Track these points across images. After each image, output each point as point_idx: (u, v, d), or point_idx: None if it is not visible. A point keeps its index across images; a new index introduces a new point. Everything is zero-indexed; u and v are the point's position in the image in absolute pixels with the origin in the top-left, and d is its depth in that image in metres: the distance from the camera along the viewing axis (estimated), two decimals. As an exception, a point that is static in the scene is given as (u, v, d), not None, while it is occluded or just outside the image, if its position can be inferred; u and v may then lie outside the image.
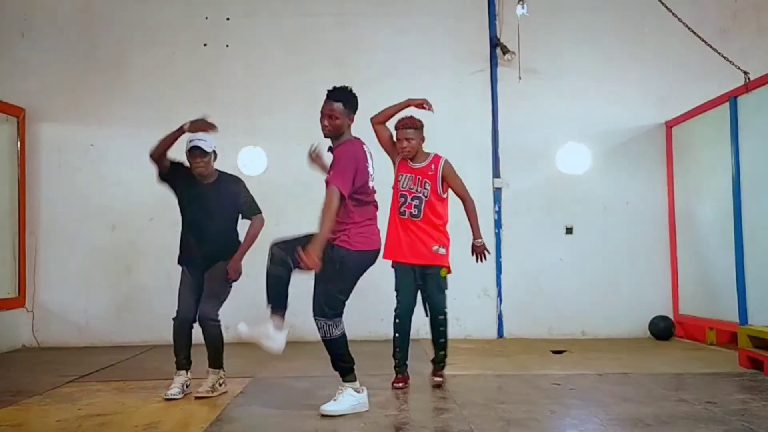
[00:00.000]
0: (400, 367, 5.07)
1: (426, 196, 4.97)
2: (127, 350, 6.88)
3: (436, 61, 7.67)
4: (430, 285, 4.99)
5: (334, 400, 4.23)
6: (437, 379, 5.04)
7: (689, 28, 6.50)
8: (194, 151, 4.63)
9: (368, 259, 4.30)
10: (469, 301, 7.40)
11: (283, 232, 4.36)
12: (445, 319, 5.04)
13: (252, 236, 4.78)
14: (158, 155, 4.64)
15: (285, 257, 4.14)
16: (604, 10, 7.77)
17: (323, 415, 4.15)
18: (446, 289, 5.04)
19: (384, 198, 4.91)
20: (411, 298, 5.03)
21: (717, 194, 6.64)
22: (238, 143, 7.38)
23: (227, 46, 7.67)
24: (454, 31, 7.72)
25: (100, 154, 7.53)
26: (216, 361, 4.83)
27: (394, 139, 5.08)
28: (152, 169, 7.00)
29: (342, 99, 4.26)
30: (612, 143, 7.66)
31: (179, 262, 4.90)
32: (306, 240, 4.12)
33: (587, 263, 7.55)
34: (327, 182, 4.16)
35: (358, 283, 4.31)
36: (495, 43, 7.66)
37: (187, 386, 4.78)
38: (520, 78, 7.53)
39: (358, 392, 4.29)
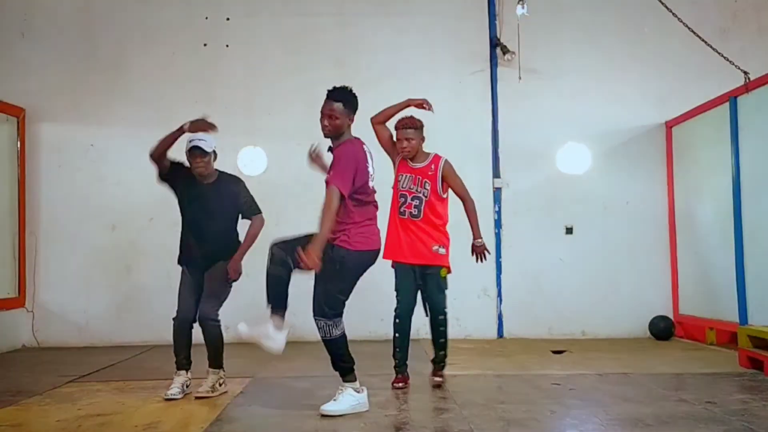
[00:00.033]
0: (400, 367, 5.07)
1: (426, 196, 4.97)
2: (127, 350, 6.88)
3: (436, 61, 7.67)
4: (430, 285, 4.99)
5: (334, 400, 4.23)
6: (437, 379, 5.05)
7: (689, 28, 6.50)
8: (194, 151, 4.63)
9: (368, 259, 4.30)
10: (469, 301, 7.41)
11: (283, 232, 4.36)
12: (445, 319, 5.04)
13: (252, 236, 4.78)
14: (158, 155, 4.63)
15: (285, 257, 4.14)
16: (604, 10, 7.77)
17: (323, 415, 4.15)
18: (446, 289, 5.04)
19: (384, 198, 4.92)
20: (411, 298, 5.03)
21: (717, 194, 6.64)
22: (238, 143, 7.38)
23: (227, 46, 7.67)
24: (454, 31, 7.72)
25: (100, 154, 7.53)
26: (216, 361, 4.83)
27: (394, 139, 5.08)
28: (152, 169, 7.00)
29: (342, 99, 4.26)
30: (612, 143, 7.66)
31: (179, 262, 4.90)
32: (306, 240, 4.12)
33: (587, 263, 7.55)
34: (327, 182, 4.16)
35: (358, 283, 4.31)
36: (495, 43, 7.66)
37: (187, 386, 4.78)
38: (520, 78, 7.53)
39: (358, 392, 4.29)
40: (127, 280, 7.43)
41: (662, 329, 7.32)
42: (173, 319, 4.78)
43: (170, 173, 4.74)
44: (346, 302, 4.27)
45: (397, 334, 5.07)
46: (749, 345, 5.58)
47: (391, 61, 7.61)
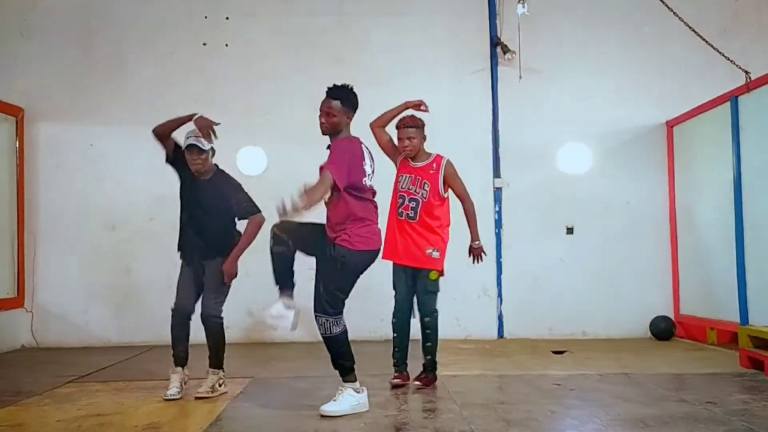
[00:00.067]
0: (399, 366, 5.06)
1: (424, 198, 4.96)
2: (126, 350, 6.87)
3: (436, 60, 7.65)
4: (419, 286, 4.99)
5: (334, 400, 4.22)
6: (416, 383, 4.98)
7: (690, 28, 6.50)
8: (191, 149, 4.63)
9: (368, 258, 4.30)
10: (469, 301, 7.40)
11: (282, 232, 4.36)
12: (432, 322, 4.99)
13: (247, 237, 4.73)
14: (160, 132, 4.65)
15: (287, 241, 4.22)
16: (604, 9, 7.76)
17: (323, 416, 4.14)
18: (437, 291, 5.01)
19: (386, 198, 4.93)
20: (406, 297, 5.03)
21: (718, 194, 6.63)
22: (238, 143, 7.36)
23: (227, 45, 7.66)
24: (455, 31, 7.71)
25: (99, 154, 7.52)
26: (216, 360, 4.82)
27: (395, 141, 5.10)
28: (152, 169, 7.08)
29: (340, 97, 4.27)
30: (613, 143, 7.65)
31: (178, 248, 4.90)
32: (308, 226, 4.25)
33: (588, 263, 7.53)
34: (320, 168, 4.17)
35: (359, 283, 4.32)
36: (495, 42, 7.64)
37: (185, 383, 4.77)
38: (520, 77, 7.52)
39: (358, 392, 4.28)
40: (126, 280, 7.41)
41: (663, 329, 7.30)
42: (171, 310, 4.78)
43: (176, 157, 4.72)
44: (346, 301, 4.28)
45: (395, 334, 5.07)
46: (750, 345, 5.57)
47: (391, 61, 7.60)
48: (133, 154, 7.38)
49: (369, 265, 4.32)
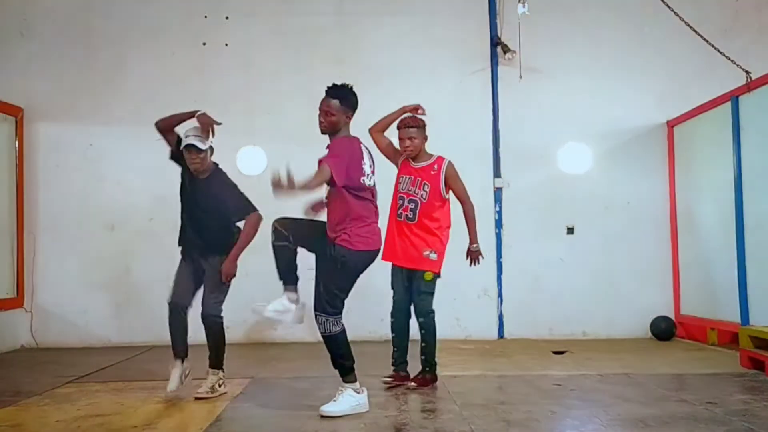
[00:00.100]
0: (398, 366, 5.07)
1: (423, 198, 4.95)
2: (126, 351, 6.86)
3: (436, 60, 7.65)
4: (414, 286, 4.99)
5: (334, 400, 4.22)
6: (410, 384, 4.96)
7: (691, 27, 6.48)
8: (189, 148, 4.63)
9: (368, 258, 4.31)
10: (469, 301, 7.39)
11: (282, 232, 4.36)
12: (426, 323, 4.98)
13: (245, 236, 4.71)
14: (162, 126, 4.68)
15: (288, 236, 4.25)
16: (605, 9, 7.75)
17: (323, 416, 4.14)
18: (432, 292, 5.00)
19: (386, 199, 4.93)
20: (404, 297, 5.04)
21: (718, 194, 6.62)
22: (238, 143, 7.35)
23: (226, 45, 7.65)
24: (455, 30, 7.70)
25: (99, 154, 7.51)
26: (216, 360, 4.82)
27: (394, 144, 5.12)
28: (152, 169, 7.09)
29: (339, 96, 4.28)
30: (613, 143, 7.64)
31: (179, 242, 4.90)
32: (309, 223, 4.32)
33: (588, 263, 7.53)
34: (319, 162, 4.17)
35: (359, 283, 4.33)
36: (496, 42, 7.63)
37: (185, 376, 4.77)
38: (520, 77, 7.50)
39: (358, 393, 4.27)
40: (126, 280, 7.40)
41: (663, 330, 7.30)
42: (168, 303, 4.78)
43: (180, 151, 4.72)
44: (346, 301, 4.29)
45: (393, 334, 5.09)
46: (750, 345, 5.56)
47: (391, 61, 7.59)
48: (133, 154, 7.37)
49: (369, 265, 4.32)
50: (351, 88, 4.35)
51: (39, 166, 7.47)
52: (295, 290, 4.35)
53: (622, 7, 7.74)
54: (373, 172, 4.40)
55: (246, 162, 7.41)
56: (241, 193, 4.79)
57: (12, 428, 4.07)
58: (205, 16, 7.67)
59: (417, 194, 4.97)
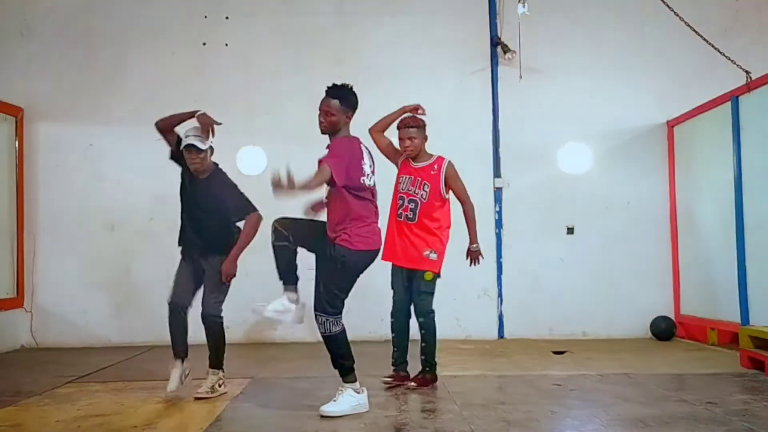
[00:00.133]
0: (398, 366, 5.07)
1: (423, 198, 4.95)
2: (126, 351, 6.86)
3: (436, 60, 7.64)
4: (414, 286, 5.00)
5: (334, 400, 4.22)
6: (410, 384, 4.96)
7: (691, 27, 6.48)
8: (189, 148, 4.63)
9: (368, 258, 4.31)
10: (469, 301, 7.39)
11: (282, 232, 4.37)
12: (426, 323, 4.98)
13: (245, 236, 4.71)
14: (162, 126, 4.69)
15: (287, 236, 4.26)
16: (605, 9, 7.75)
17: (323, 416, 4.14)
18: (432, 292, 5.00)
19: (387, 200, 4.93)
20: (404, 297, 5.04)
21: (718, 194, 6.62)
22: (238, 143, 7.35)
23: (226, 45, 7.65)
24: (455, 30, 7.70)
25: (99, 154, 7.50)
26: (216, 360, 4.81)
27: (394, 144, 5.13)
28: (152, 169, 7.09)
29: (339, 96, 4.28)
30: (613, 143, 7.64)
31: (179, 242, 4.90)
32: (309, 223, 4.33)
33: (588, 263, 7.52)
34: (319, 162, 4.17)
35: (359, 283, 4.33)
36: (496, 42, 7.63)
37: (185, 376, 4.77)
38: (521, 77, 7.50)
39: (358, 393, 4.27)
40: (126, 280, 7.40)
41: (663, 330, 7.29)
42: (168, 303, 4.78)
43: (180, 152, 4.73)
44: (346, 300, 4.29)
45: (393, 334, 5.09)
46: (750, 345, 5.56)
47: (391, 61, 7.58)
48: (133, 154, 7.37)
49: (369, 264, 4.32)
50: (351, 88, 4.35)
51: (39, 166, 7.47)
52: (295, 290, 4.36)
53: (622, 7, 7.74)
54: (373, 172, 4.40)
55: (246, 162, 7.41)
56: (241, 193, 4.79)
57: (12, 428, 4.07)
58: (205, 16, 7.66)
59: (417, 194, 4.97)
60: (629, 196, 7.59)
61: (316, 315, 4.24)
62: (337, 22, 7.69)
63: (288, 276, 4.36)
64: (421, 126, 5.04)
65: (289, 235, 4.27)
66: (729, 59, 6.38)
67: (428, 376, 5.02)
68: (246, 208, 4.74)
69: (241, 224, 4.82)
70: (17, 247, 7.29)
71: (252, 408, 4.48)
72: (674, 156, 7.54)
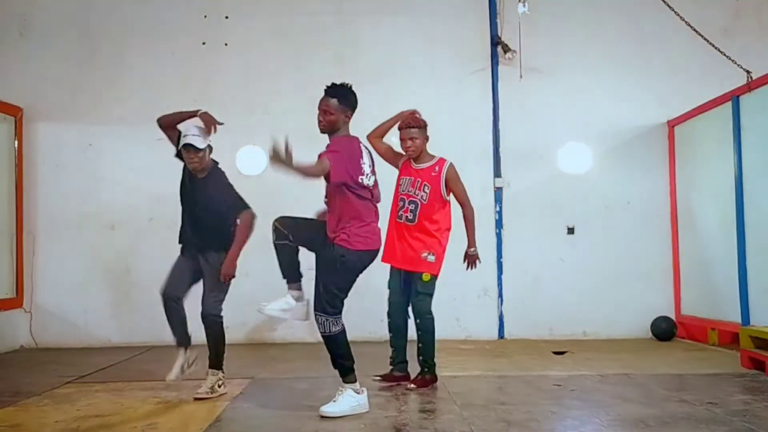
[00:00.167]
0: (396, 366, 5.08)
1: (424, 200, 4.95)
2: (125, 351, 6.86)
3: (436, 59, 7.64)
4: (412, 288, 5.00)
5: (334, 401, 4.21)
6: (410, 385, 4.94)
7: (691, 27, 6.48)
8: (187, 147, 4.64)
9: (367, 258, 4.31)
10: (469, 301, 7.38)
11: (282, 232, 4.37)
12: (424, 324, 4.98)
13: (239, 235, 4.68)
14: (164, 123, 4.72)
15: (288, 235, 4.28)
16: (605, 8, 7.74)
17: (323, 416, 4.13)
18: (430, 293, 4.99)
19: (389, 201, 4.93)
20: (400, 298, 5.05)
21: (719, 194, 6.61)
22: (237, 142, 7.33)
23: (226, 44, 7.64)
24: (455, 30, 7.69)
25: (98, 154, 7.50)
26: (216, 360, 4.80)
27: (393, 148, 5.15)
28: (152, 169, 7.09)
29: (337, 95, 4.28)
30: (614, 143, 7.63)
31: (179, 240, 4.90)
32: (309, 222, 4.36)
33: (589, 264, 7.51)
34: (319, 156, 4.18)
35: (359, 283, 4.33)
36: (496, 41, 7.63)
37: (189, 365, 4.76)
38: (521, 77, 7.50)
39: (358, 393, 4.27)
40: (126, 280, 7.39)
41: (664, 330, 7.29)
42: (160, 294, 4.77)
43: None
44: (345, 301, 4.29)
45: (390, 334, 5.10)
46: (751, 346, 5.56)
47: (391, 60, 7.58)
48: (133, 154, 7.37)
49: (368, 264, 4.32)
50: (350, 87, 4.36)
51: (39, 165, 7.46)
52: (299, 287, 4.38)
53: (623, 7, 7.73)
54: (372, 172, 4.40)
55: (246, 162, 7.40)
56: (235, 192, 4.79)
57: (11, 428, 4.06)
58: (205, 16, 7.66)
59: (417, 195, 4.96)
60: (629, 196, 7.58)
61: (315, 315, 4.24)
62: (337, 22, 7.68)
63: (291, 274, 4.37)
64: (423, 126, 5.03)
65: (289, 234, 4.28)
66: (729, 59, 6.37)
67: (427, 377, 5.01)
68: (239, 206, 4.73)
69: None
70: (16, 247, 7.28)
71: (252, 408, 4.48)
72: (675, 156, 7.53)
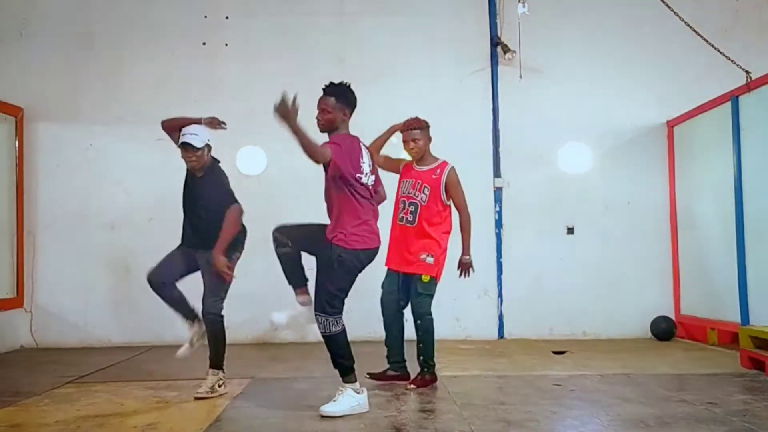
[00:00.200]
0: (391, 364, 5.10)
1: (423, 201, 4.95)
2: (125, 351, 6.86)
3: (436, 60, 7.64)
4: (412, 289, 5.00)
5: (334, 401, 4.22)
6: (409, 386, 4.94)
7: (691, 27, 6.48)
8: (185, 146, 4.67)
9: (366, 257, 4.31)
10: (469, 301, 7.38)
11: (282, 232, 4.38)
12: (423, 325, 4.98)
13: (225, 229, 4.63)
14: (167, 126, 4.82)
15: (287, 242, 4.33)
16: (605, 8, 7.74)
17: (323, 416, 4.14)
18: (429, 294, 4.99)
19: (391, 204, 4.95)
20: (392, 296, 5.06)
21: (719, 194, 6.62)
22: (237, 142, 7.33)
23: (226, 44, 7.64)
24: (455, 30, 7.69)
25: (98, 154, 7.50)
26: (216, 359, 4.81)
27: (391, 157, 5.21)
28: (152, 169, 7.09)
29: (335, 93, 4.30)
30: (613, 143, 7.63)
31: (182, 240, 4.93)
32: (309, 227, 4.36)
33: (588, 263, 7.52)
34: (322, 144, 4.20)
35: (359, 283, 4.33)
36: (496, 42, 7.63)
37: (198, 338, 4.80)
38: (521, 77, 7.50)
39: (358, 393, 4.27)
40: (126, 280, 7.38)
41: (663, 330, 7.29)
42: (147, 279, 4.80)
43: None
44: (346, 300, 4.30)
45: (385, 333, 5.12)
46: (751, 345, 5.56)
47: (391, 61, 7.58)
48: (133, 154, 7.38)
49: (366, 264, 4.32)
50: (348, 85, 4.37)
51: (39, 165, 7.47)
52: (306, 291, 4.42)
53: (623, 7, 7.73)
54: (372, 172, 4.41)
55: (246, 162, 7.40)
56: (228, 189, 4.81)
57: (11, 428, 4.07)
58: (205, 16, 7.66)
59: (417, 197, 4.97)
60: (629, 196, 7.58)
61: (316, 315, 4.25)
62: (337, 22, 7.68)
63: (296, 279, 4.42)
64: (425, 127, 5.04)
65: (288, 241, 4.33)
66: (729, 59, 6.38)
67: (427, 377, 5.01)
68: (227, 200, 4.73)
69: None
70: (17, 247, 7.28)
71: (252, 408, 4.48)
72: (674, 156, 7.54)
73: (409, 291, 5.03)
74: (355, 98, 4.36)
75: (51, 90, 7.52)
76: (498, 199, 7.58)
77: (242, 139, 7.36)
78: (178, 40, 7.63)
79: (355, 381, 4.29)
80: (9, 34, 7.56)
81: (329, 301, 4.21)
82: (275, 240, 4.36)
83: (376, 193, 4.47)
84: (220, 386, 4.78)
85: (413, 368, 5.09)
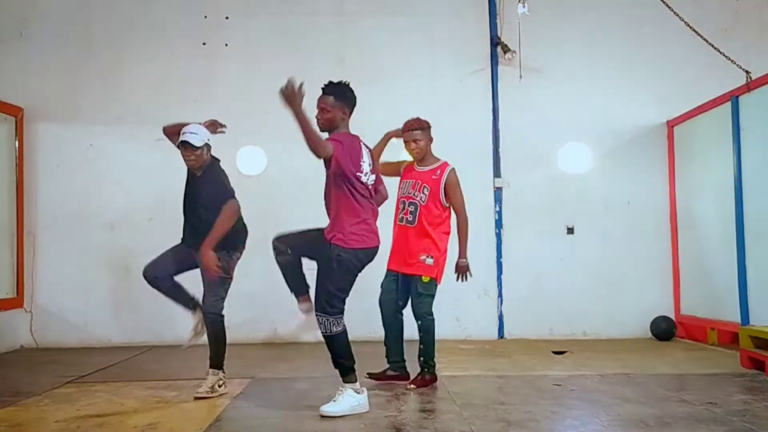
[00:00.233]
0: (390, 364, 5.10)
1: (422, 201, 4.95)
2: (125, 351, 6.85)
3: (436, 60, 7.64)
4: (412, 289, 5.01)
5: (334, 400, 4.22)
6: (409, 386, 4.94)
7: (691, 27, 6.49)
8: (184, 145, 4.68)
9: (364, 257, 4.31)
10: (469, 301, 7.37)
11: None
12: (424, 325, 4.99)
13: (218, 224, 4.62)
14: (169, 132, 4.86)
15: (286, 249, 4.31)
16: (605, 9, 7.74)
17: (323, 416, 4.14)
18: (430, 294, 4.99)
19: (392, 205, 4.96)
20: (390, 296, 5.06)
21: (719, 194, 6.62)
22: (237, 142, 7.32)
23: (226, 44, 7.64)
24: (455, 30, 7.69)
25: (98, 154, 7.50)
26: (216, 359, 4.81)
27: (389, 161, 5.20)
28: (152, 169, 7.10)
29: (334, 92, 4.31)
30: (613, 143, 7.63)
31: (182, 241, 4.95)
32: (308, 233, 4.34)
33: (588, 263, 7.52)
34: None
35: (359, 283, 4.33)
36: (496, 42, 7.63)
37: (202, 326, 4.80)
38: (521, 77, 7.50)
39: (358, 393, 4.27)
40: (126, 280, 7.37)
41: (663, 330, 7.29)
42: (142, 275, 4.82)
43: None
44: (346, 300, 4.30)
45: (384, 332, 5.13)
46: (750, 345, 5.56)
47: (391, 61, 7.58)
48: (133, 154, 7.38)
49: (366, 263, 4.32)
50: (347, 84, 4.37)
51: (39, 165, 7.46)
52: (308, 298, 4.40)
53: (622, 7, 7.73)
54: (372, 172, 4.41)
55: (246, 162, 7.40)
56: (226, 185, 4.81)
57: (12, 428, 4.07)
58: (205, 16, 7.66)
59: (416, 197, 4.97)
60: (629, 196, 7.58)
61: (316, 315, 4.25)
62: (337, 22, 7.69)
63: (298, 287, 4.42)
64: (426, 128, 5.04)
65: (288, 248, 4.33)
66: (729, 59, 6.38)
67: (427, 377, 5.01)
68: (223, 196, 4.72)
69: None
70: (17, 247, 7.28)
71: (252, 408, 4.48)
72: (674, 156, 7.54)
73: (408, 291, 5.03)
74: (355, 97, 4.36)
75: (51, 90, 7.52)
76: (498, 199, 7.58)
77: (242, 139, 7.36)
78: (178, 40, 7.63)
79: (356, 381, 4.29)
80: (9, 34, 7.56)
81: (329, 301, 4.22)
82: (275, 249, 4.35)
83: (376, 193, 4.48)
84: (220, 386, 4.78)
85: (413, 368, 5.10)
